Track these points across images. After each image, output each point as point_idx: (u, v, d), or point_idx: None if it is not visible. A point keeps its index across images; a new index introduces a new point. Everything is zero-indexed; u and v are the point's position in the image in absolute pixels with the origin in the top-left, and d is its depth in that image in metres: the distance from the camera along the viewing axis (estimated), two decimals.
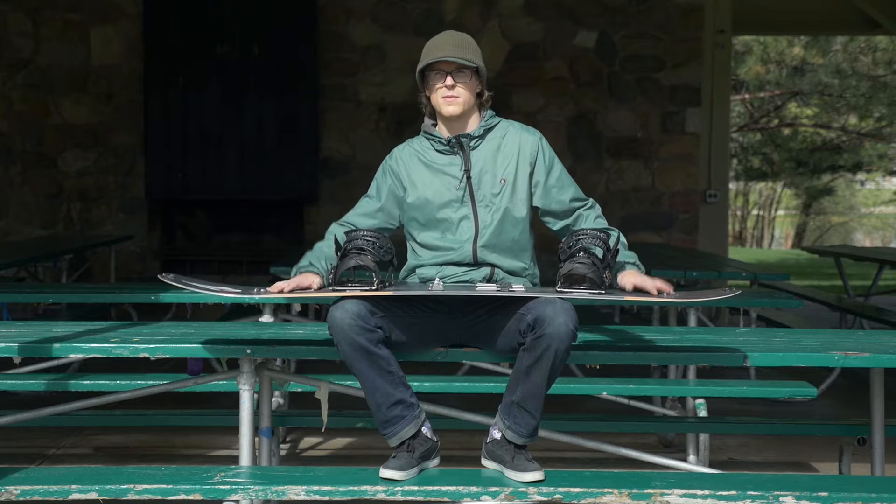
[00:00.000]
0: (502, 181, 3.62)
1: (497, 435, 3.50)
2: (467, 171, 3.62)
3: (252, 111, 10.31)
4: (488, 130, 3.67)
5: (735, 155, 25.45)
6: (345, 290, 3.41)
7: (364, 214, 3.73)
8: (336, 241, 3.52)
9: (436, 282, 3.56)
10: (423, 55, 3.65)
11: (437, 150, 3.67)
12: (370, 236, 3.49)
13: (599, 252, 3.46)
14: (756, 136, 26.35)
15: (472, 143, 3.65)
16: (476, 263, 3.62)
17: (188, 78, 10.27)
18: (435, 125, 3.70)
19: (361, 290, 3.40)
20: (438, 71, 3.60)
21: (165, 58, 10.25)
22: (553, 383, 3.43)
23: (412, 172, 3.67)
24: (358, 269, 3.47)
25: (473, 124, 3.67)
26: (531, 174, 3.66)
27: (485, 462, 3.55)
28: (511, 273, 3.64)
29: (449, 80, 3.58)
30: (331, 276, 3.49)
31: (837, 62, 22.05)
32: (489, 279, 3.62)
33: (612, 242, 3.47)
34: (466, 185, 3.62)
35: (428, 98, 3.68)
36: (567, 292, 3.41)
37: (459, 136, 3.64)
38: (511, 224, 3.64)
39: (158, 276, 3.60)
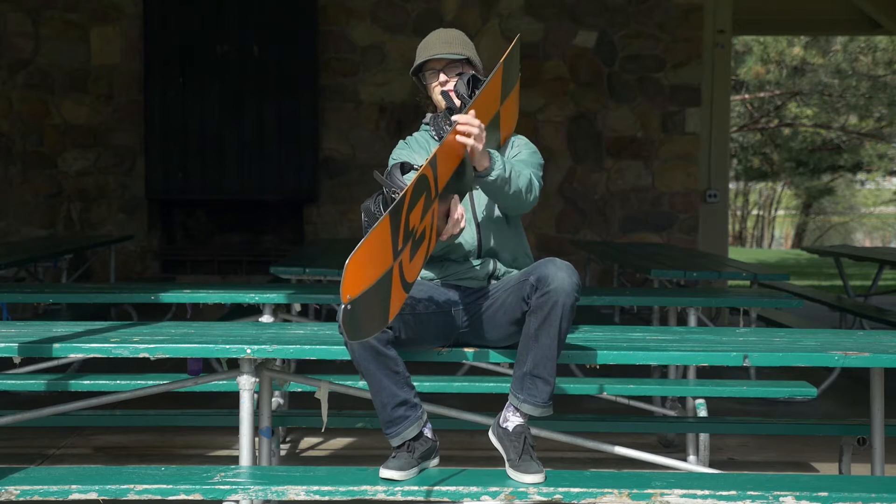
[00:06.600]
0: None
1: (510, 426, 3.49)
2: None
3: (252, 111, 10.30)
4: None
5: (735, 155, 25.46)
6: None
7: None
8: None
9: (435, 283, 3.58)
10: (416, 57, 3.76)
11: (442, 139, 3.70)
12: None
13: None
14: (756, 136, 26.35)
15: None
16: (479, 251, 3.65)
17: (188, 78, 10.27)
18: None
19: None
20: (431, 70, 3.71)
21: (165, 58, 10.24)
22: (562, 348, 3.44)
23: (423, 153, 3.71)
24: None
25: None
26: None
27: (491, 437, 3.56)
28: (510, 265, 3.68)
29: (442, 77, 3.70)
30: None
31: (837, 62, 22.05)
32: (491, 275, 3.65)
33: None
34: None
35: (428, 97, 3.77)
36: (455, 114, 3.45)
37: None
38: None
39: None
